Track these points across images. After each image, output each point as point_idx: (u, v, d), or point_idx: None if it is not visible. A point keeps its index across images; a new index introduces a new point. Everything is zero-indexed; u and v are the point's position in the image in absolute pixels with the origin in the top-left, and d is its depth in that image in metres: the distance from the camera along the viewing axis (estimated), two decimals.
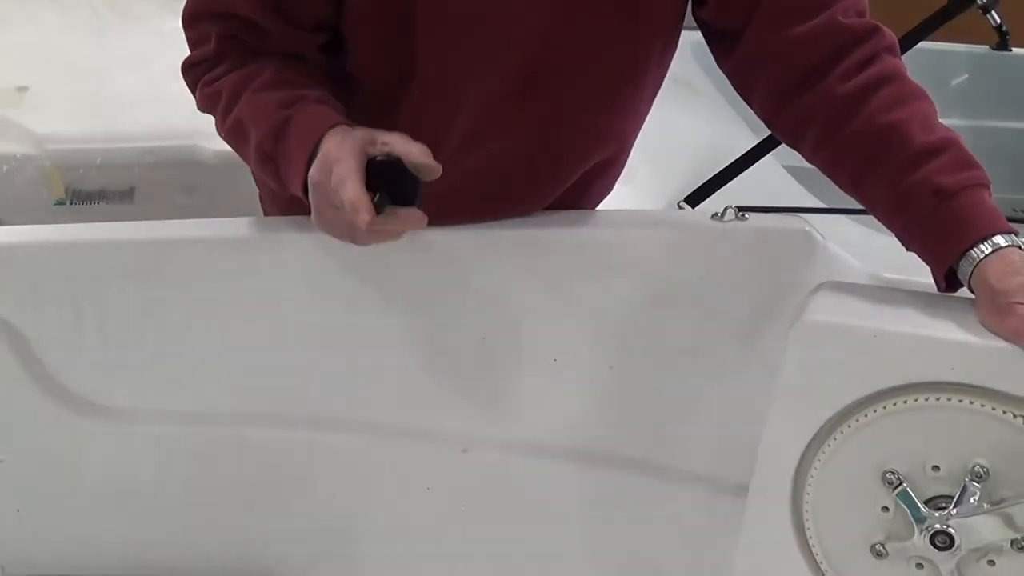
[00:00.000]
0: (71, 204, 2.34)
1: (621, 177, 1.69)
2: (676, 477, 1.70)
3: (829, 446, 1.30)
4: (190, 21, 1.46)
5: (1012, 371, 1.18)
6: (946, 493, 1.24)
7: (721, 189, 1.82)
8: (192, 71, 1.47)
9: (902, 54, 1.43)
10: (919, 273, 1.34)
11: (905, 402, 1.24)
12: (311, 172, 1.30)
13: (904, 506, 1.26)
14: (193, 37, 1.47)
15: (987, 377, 1.20)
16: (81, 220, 1.59)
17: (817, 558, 1.35)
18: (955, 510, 1.23)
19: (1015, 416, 1.19)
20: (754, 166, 1.88)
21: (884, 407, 1.25)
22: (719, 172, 1.85)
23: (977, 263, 1.23)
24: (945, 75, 3.24)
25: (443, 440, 1.65)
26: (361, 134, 1.30)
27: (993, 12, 3.14)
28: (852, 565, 1.34)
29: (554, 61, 1.44)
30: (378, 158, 1.29)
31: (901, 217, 1.33)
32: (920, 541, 1.25)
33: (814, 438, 1.30)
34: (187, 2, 1.45)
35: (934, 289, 1.32)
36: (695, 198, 1.80)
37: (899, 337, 1.24)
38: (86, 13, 2.78)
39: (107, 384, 1.56)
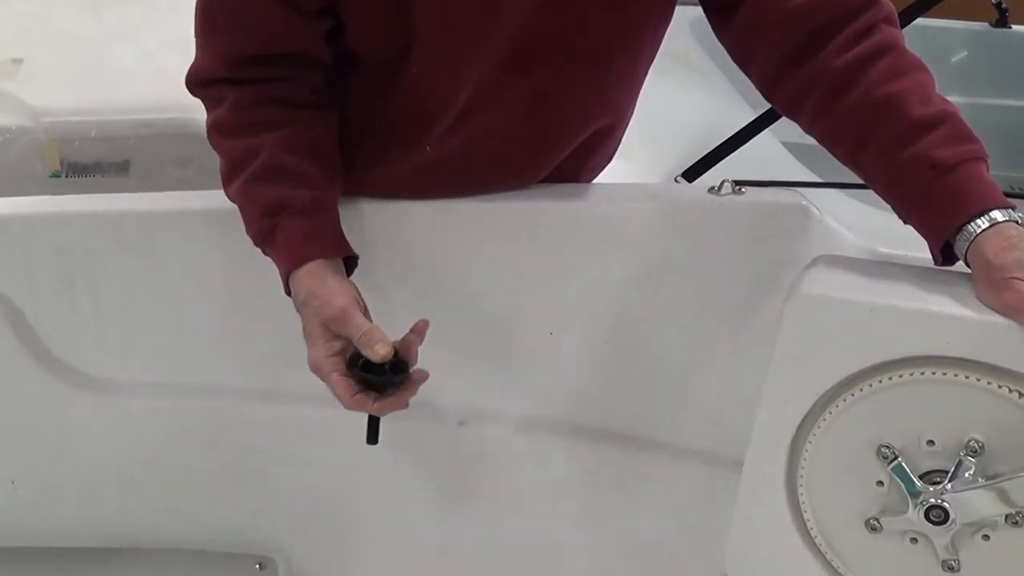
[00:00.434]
0: (66, 177, 2.32)
1: (618, 152, 1.68)
2: (671, 452, 1.70)
3: (824, 420, 1.30)
4: (196, 84, 1.46)
5: (1008, 346, 1.18)
6: (941, 468, 1.24)
7: (718, 164, 1.81)
8: (197, 92, 1.47)
9: (901, 29, 1.42)
10: (916, 248, 1.34)
11: (900, 376, 1.24)
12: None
13: (899, 480, 1.26)
14: (208, 99, 1.46)
15: (983, 351, 1.20)
16: (76, 192, 1.59)
17: (812, 532, 1.36)
18: (950, 485, 1.23)
19: (1011, 391, 1.19)
20: (752, 142, 1.87)
21: (879, 381, 1.25)
22: (716, 147, 1.83)
23: (974, 238, 1.23)
24: (944, 52, 3.23)
25: (439, 414, 1.65)
26: (321, 333, 1.36)
27: None
28: (846, 539, 1.34)
29: (549, 32, 1.43)
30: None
31: (898, 190, 1.32)
32: (915, 516, 1.25)
33: (809, 412, 1.30)
34: (192, 69, 1.45)
35: (931, 263, 1.32)
36: (692, 173, 1.80)
37: (895, 311, 1.24)
38: None
39: (102, 357, 1.56)
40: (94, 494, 1.62)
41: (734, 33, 1.48)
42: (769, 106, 1.58)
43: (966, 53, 3.33)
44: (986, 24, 3.35)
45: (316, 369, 1.35)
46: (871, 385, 1.26)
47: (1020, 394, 1.19)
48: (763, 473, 1.36)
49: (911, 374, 1.23)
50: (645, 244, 1.60)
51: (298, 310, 1.38)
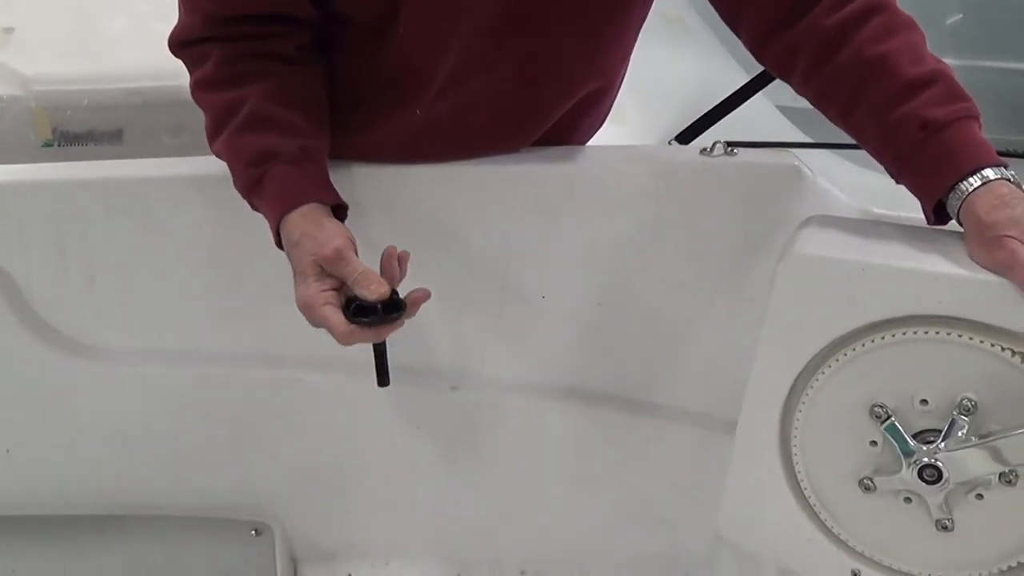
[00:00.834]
0: (59, 146, 2.31)
1: (611, 116, 1.68)
2: (665, 414, 1.70)
3: (817, 380, 1.30)
4: (178, 45, 1.45)
5: (1000, 304, 1.18)
6: (934, 427, 1.24)
7: (712, 128, 1.80)
8: (180, 52, 1.46)
9: None
10: (909, 208, 1.34)
11: (893, 335, 1.24)
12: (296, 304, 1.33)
13: (892, 440, 1.26)
14: (190, 59, 1.45)
15: (976, 310, 1.19)
16: (69, 161, 1.58)
17: (805, 493, 1.36)
18: (943, 444, 1.23)
19: (1003, 349, 1.19)
20: (746, 105, 1.86)
21: (872, 340, 1.25)
22: (710, 110, 1.82)
23: (966, 196, 1.22)
24: (939, 14, 3.22)
25: (432, 378, 1.65)
26: (311, 270, 1.31)
27: None
28: (840, 499, 1.34)
29: None
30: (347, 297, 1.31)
31: (890, 150, 1.32)
32: (908, 475, 1.25)
33: (802, 372, 1.30)
34: (175, 31, 1.44)
35: (923, 223, 1.32)
36: (686, 137, 1.78)
37: (887, 270, 1.23)
38: None
39: (95, 324, 1.56)
40: (88, 461, 1.62)
41: None
42: (762, 69, 1.57)
43: (961, 15, 3.32)
44: None
45: (306, 305, 1.31)
46: (864, 345, 1.25)
47: (1013, 352, 1.18)
48: (757, 433, 1.36)
49: (904, 333, 1.23)
50: (637, 206, 1.59)
51: (288, 253, 1.35)
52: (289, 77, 1.42)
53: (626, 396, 1.69)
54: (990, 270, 1.19)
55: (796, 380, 1.31)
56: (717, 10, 1.50)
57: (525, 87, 1.49)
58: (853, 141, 1.39)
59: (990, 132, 1.28)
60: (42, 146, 2.30)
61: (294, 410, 1.64)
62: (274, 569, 1.61)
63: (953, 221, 1.27)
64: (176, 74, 1.54)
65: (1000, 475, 1.23)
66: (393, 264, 1.33)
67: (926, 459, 1.23)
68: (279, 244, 1.37)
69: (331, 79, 1.48)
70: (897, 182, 1.33)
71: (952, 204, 1.24)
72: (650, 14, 1.54)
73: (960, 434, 1.22)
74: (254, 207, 1.42)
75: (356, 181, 1.49)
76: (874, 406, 1.27)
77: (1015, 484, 1.23)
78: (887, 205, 1.47)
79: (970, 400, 1.21)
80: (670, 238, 1.61)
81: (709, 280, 1.63)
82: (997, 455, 1.21)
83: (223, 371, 1.59)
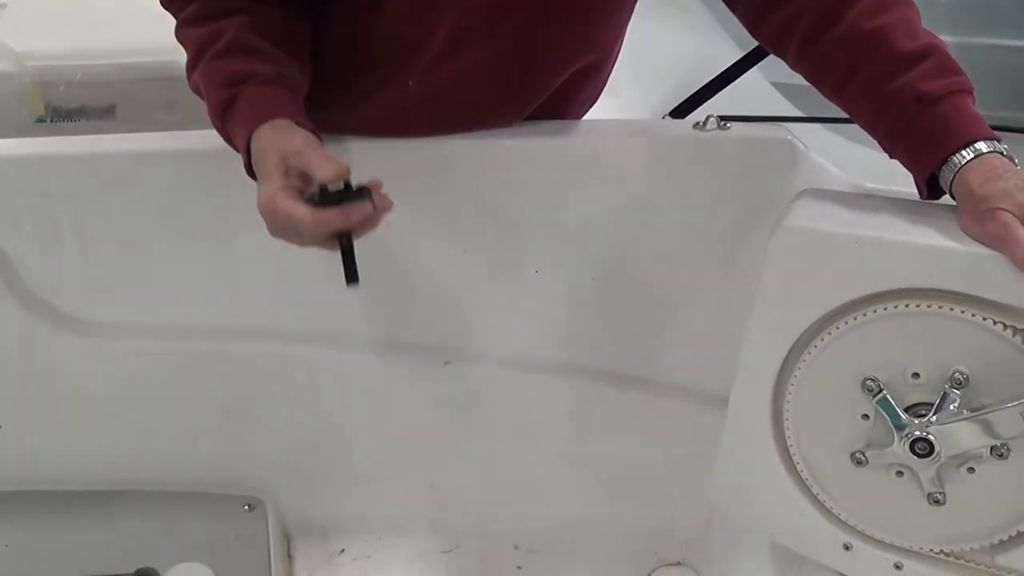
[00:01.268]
0: (51, 121, 2.32)
1: (606, 91, 1.67)
2: (658, 389, 1.71)
3: (809, 354, 1.30)
4: None
5: (993, 277, 1.18)
6: (926, 400, 1.25)
7: (707, 103, 1.80)
8: (169, 5, 1.45)
9: None
10: (902, 183, 1.34)
11: (885, 309, 1.24)
12: (261, 212, 1.27)
13: (884, 413, 1.26)
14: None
15: (968, 283, 1.20)
16: (61, 136, 1.57)
17: (797, 465, 1.36)
18: (935, 417, 1.23)
19: (995, 322, 1.19)
20: (741, 81, 1.86)
21: (864, 314, 1.25)
22: (704, 86, 1.82)
23: (959, 169, 1.23)
24: None
25: (425, 353, 1.65)
26: (276, 169, 1.27)
27: None
28: (832, 473, 1.34)
29: None
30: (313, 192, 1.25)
31: (884, 123, 1.32)
32: (900, 448, 1.26)
33: (794, 346, 1.31)
34: None
35: (916, 197, 1.32)
36: (680, 112, 1.79)
37: (880, 243, 1.23)
38: None
39: (87, 299, 1.55)
40: (81, 436, 1.62)
41: None
42: (756, 44, 1.57)
43: None
44: None
45: (269, 201, 1.24)
46: (856, 318, 1.26)
47: (1005, 326, 1.19)
48: (749, 406, 1.36)
49: (896, 307, 1.23)
50: (631, 180, 1.59)
51: (256, 166, 1.30)
52: (274, 15, 1.41)
53: (619, 371, 1.70)
54: (982, 243, 1.19)
55: (788, 354, 1.31)
56: None
57: (518, 60, 1.49)
58: (847, 116, 1.39)
59: (983, 108, 1.28)
60: (35, 122, 2.31)
61: (287, 385, 1.64)
62: (267, 544, 1.61)
63: (946, 196, 1.27)
64: (169, 50, 1.54)
65: (992, 448, 1.23)
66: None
67: (918, 432, 1.24)
68: (249, 168, 1.33)
69: (325, 51, 1.47)
70: (890, 156, 1.33)
71: (945, 177, 1.25)
72: None
73: (952, 407, 1.22)
74: (226, 135, 1.38)
75: (350, 154, 1.48)
76: (866, 379, 1.27)
77: (1006, 458, 1.23)
78: (880, 180, 1.47)
79: (962, 373, 1.22)
80: (663, 212, 1.61)
81: (702, 254, 1.63)
82: (989, 428, 1.21)
83: (215, 346, 1.59)
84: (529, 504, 1.74)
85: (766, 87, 2.06)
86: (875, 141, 1.35)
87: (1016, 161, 1.23)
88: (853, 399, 1.29)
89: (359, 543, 1.74)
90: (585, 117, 1.66)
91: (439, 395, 1.67)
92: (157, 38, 1.56)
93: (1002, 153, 1.23)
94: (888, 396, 1.26)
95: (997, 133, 1.25)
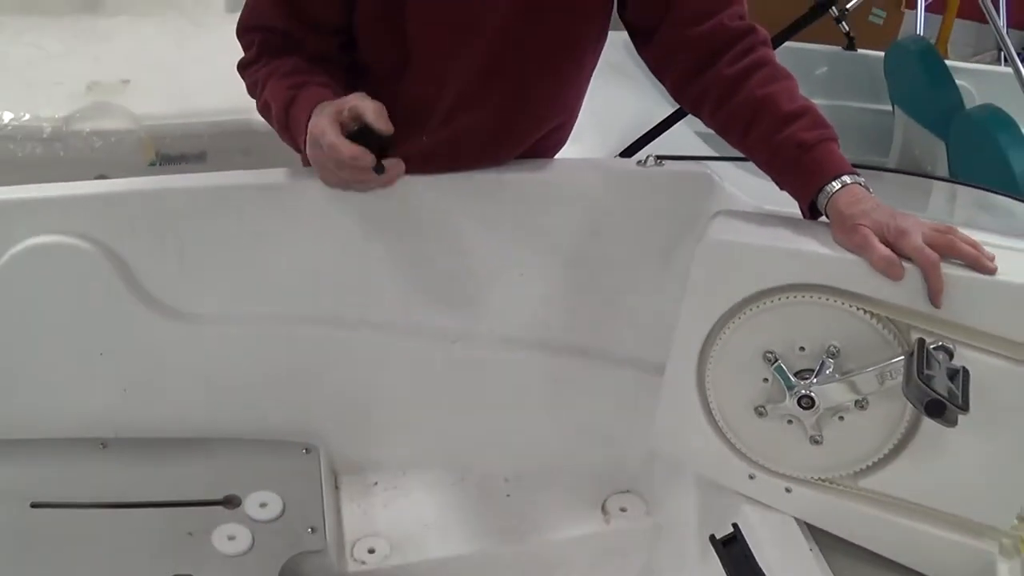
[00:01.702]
0: (160, 165, 2.34)
1: (572, 137, 1.67)
2: (613, 360, 1.70)
3: (724, 333, 1.30)
4: (240, 32, 1.46)
5: (856, 275, 1.19)
6: (809, 367, 1.26)
7: (647, 146, 1.81)
8: (243, 70, 1.47)
9: (775, 49, 1.44)
10: (790, 206, 1.34)
11: (780, 299, 1.24)
12: (308, 139, 1.33)
13: (779, 377, 1.27)
14: (243, 44, 1.46)
15: (839, 280, 1.21)
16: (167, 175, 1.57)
17: (716, 417, 1.36)
18: (815, 380, 1.24)
19: (858, 309, 1.20)
20: (672, 131, 1.88)
21: (765, 303, 1.26)
22: (645, 133, 1.84)
23: (831, 196, 1.24)
24: (808, 67, 3.23)
25: (438, 335, 1.65)
26: (332, 107, 1.32)
27: (843, 22, 3.22)
28: (741, 422, 1.34)
29: (513, 51, 1.42)
30: (353, 127, 1.32)
31: (775, 164, 1.34)
32: (790, 403, 1.26)
33: (714, 327, 1.31)
34: (239, 18, 1.45)
35: (801, 217, 1.33)
36: (628, 152, 1.80)
37: (776, 251, 1.25)
38: (173, 26, 2.79)
39: (186, 296, 1.54)
40: (184, 398, 1.60)
41: (651, 52, 1.49)
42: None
43: (826, 68, 3.35)
44: (839, 48, 3.38)
45: (318, 127, 1.31)
46: (759, 306, 1.26)
47: (865, 311, 1.20)
48: (680, 373, 1.36)
49: (788, 297, 1.24)
50: (591, 204, 1.59)
51: (310, 149, 1.36)
52: (315, 63, 1.43)
53: (583, 346, 1.69)
54: (849, 250, 1.20)
55: (709, 333, 1.32)
56: (646, 63, 1.52)
57: (503, 123, 1.50)
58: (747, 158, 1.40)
59: (846, 152, 1.30)
60: (148, 165, 2.33)
61: (335, 358, 1.63)
62: (320, 478, 1.60)
63: (823, 216, 1.28)
64: (245, 110, 1.54)
65: (856, 402, 1.24)
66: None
67: (803, 391, 1.24)
68: (304, 149, 1.36)
69: None
70: (780, 188, 1.35)
71: (821, 202, 1.26)
72: (599, 64, 1.55)
73: (828, 372, 1.23)
74: (288, 135, 1.40)
75: (374, 190, 1.48)
76: (766, 352, 1.28)
77: (866, 408, 1.24)
78: (775, 203, 1.46)
79: (835, 347, 1.23)
80: (616, 227, 1.61)
81: (645, 258, 1.63)
82: (853, 387, 1.22)
83: (282, 329, 1.58)
84: (515, 446, 1.73)
85: (691, 135, 2.06)
86: (768, 176, 1.36)
87: (871, 189, 1.25)
88: (756, 367, 1.29)
89: (388, 476, 1.73)
90: (557, 156, 1.66)
91: (449, 366, 1.66)
92: (236, 102, 1.56)
93: (861, 184, 1.25)
94: (782, 364, 1.26)
95: (857, 170, 1.28)
